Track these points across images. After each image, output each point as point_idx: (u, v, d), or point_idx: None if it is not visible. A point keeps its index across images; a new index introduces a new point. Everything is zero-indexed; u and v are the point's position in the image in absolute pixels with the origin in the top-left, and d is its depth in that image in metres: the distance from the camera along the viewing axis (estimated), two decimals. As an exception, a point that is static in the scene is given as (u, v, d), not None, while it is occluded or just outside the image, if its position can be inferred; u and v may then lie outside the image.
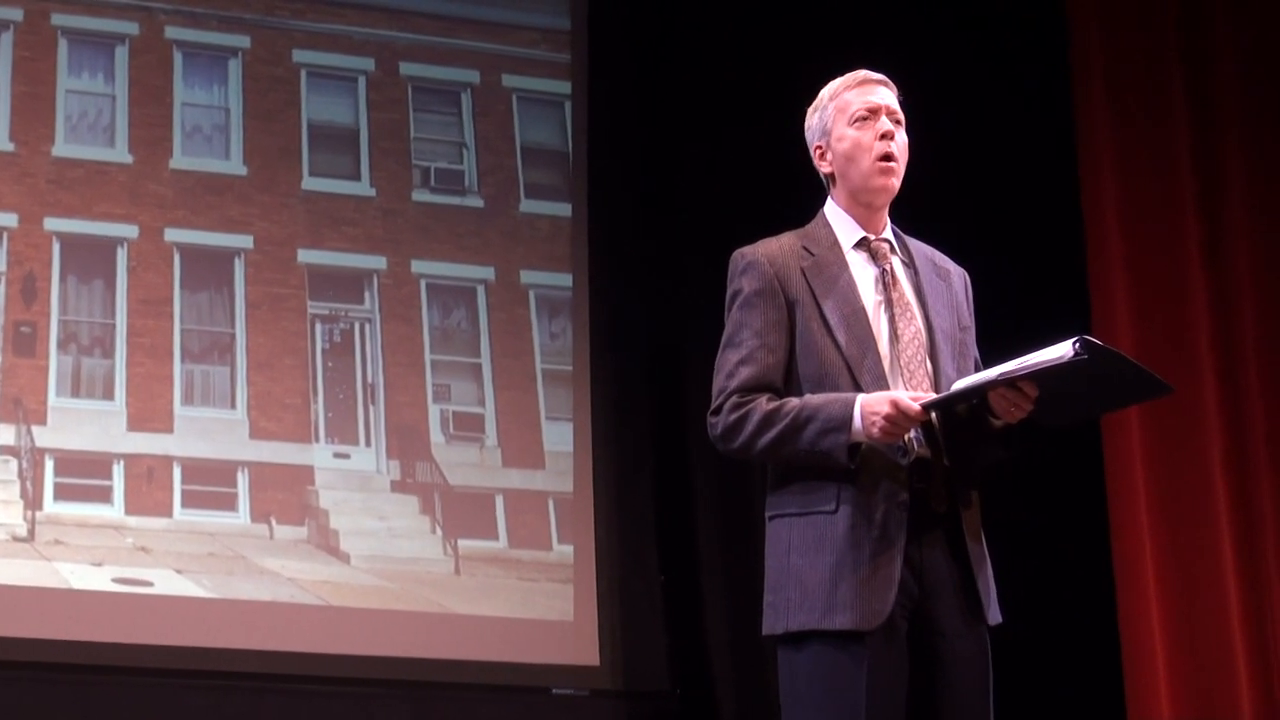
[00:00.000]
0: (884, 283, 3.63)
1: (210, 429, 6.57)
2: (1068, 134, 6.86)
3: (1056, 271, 6.76)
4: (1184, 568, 6.47)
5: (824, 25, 6.98)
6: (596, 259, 6.98)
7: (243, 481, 6.56)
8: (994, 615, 3.58)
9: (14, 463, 6.33)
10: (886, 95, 3.69)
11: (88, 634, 6.15)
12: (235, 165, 6.87)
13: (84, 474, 6.41)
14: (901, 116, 3.69)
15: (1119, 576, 6.48)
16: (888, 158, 3.63)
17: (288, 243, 6.83)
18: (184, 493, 6.49)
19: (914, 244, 3.76)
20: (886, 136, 3.63)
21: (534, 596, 6.60)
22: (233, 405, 6.62)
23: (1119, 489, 6.54)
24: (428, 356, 6.83)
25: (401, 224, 6.95)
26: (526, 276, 7.02)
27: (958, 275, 3.77)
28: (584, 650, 6.59)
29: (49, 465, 6.36)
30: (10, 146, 6.61)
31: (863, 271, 3.64)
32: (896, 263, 3.68)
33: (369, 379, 6.76)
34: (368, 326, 6.84)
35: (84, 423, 6.46)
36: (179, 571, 6.34)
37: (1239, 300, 6.66)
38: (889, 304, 3.60)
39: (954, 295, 3.71)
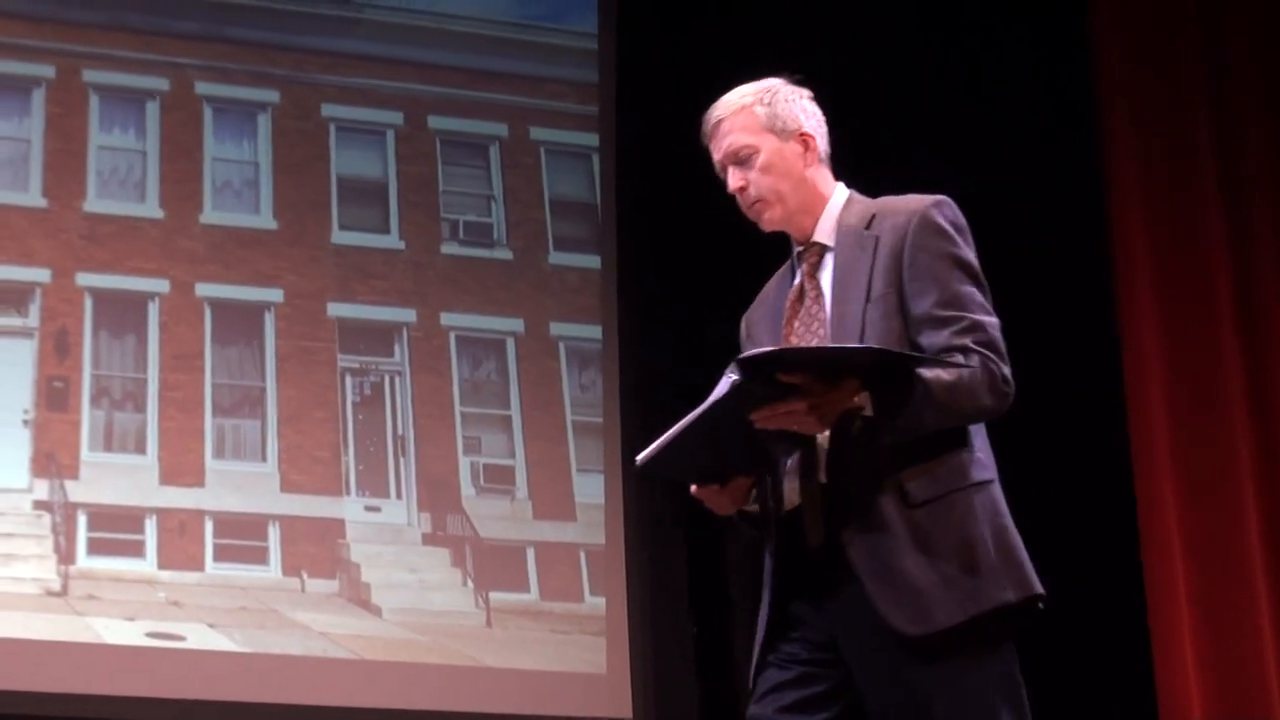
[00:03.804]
0: (799, 294, 3.53)
1: (241, 482, 6.58)
2: (1090, 147, 6.89)
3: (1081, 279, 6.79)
4: (1211, 547, 6.47)
5: (846, 76, 6.99)
6: (626, 311, 6.98)
7: (274, 535, 6.57)
8: (925, 623, 3.25)
9: (47, 517, 6.34)
10: (720, 143, 3.59)
11: (121, 688, 6.15)
12: (265, 219, 6.90)
13: (116, 528, 6.42)
14: (743, 152, 3.54)
15: (1146, 559, 6.51)
16: (752, 204, 3.56)
17: (318, 296, 6.85)
18: (216, 546, 6.50)
19: (854, 216, 3.51)
20: (737, 191, 3.57)
21: (566, 649, 6.58)
22: (263, 458, 6.63)
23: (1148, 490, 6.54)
24: (458, 409, 6.84)
25: (431, 277, 6.97)
26: (556, 328, 7.02)
27: (892, 229, 3.43)
28: (617, 703, 6.56)
29: (82, 520, 6.37)
30: (43, 202, 6.65)
31: (786, 291, 3.59)
32: (827, 260, 3.51)
33: (399, 431, 6.77)
34: (398, 379, 6.85)
35: (116, 477, 6.48)
36: (211, 626, 6.34)
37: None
38: (795, 315, 3.51)
39: (876, 260, 3.41)
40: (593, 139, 7.17)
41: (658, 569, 6.76)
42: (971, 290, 3.34)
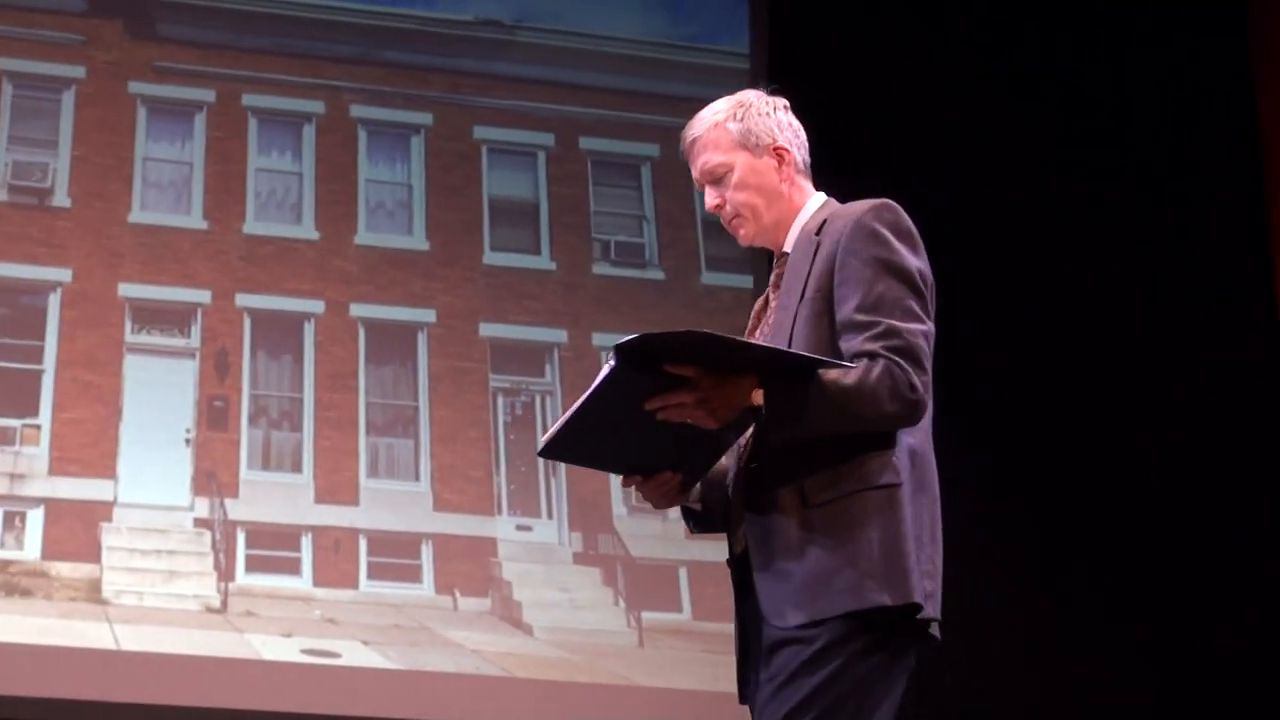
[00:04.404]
0: (764, 305, 3.47)
1: (395, 501, 6.63)
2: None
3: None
4: None
5: (987, 97, 6.97)
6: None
7: (427, 553, 6.61)
8: (793, 615, 3.17)
9: (208, 535, 6.43)
10: (696, 161, 3.49)
11: (277, 704, 6.20)
12: (418, 240, 6.96)
13: (274, 546, 6.50)
14: (718, 170, 3.45)
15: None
16: (729, 222, 3.49)
17: (470, 316, 6.89)
18: (370, 564, 6.55)
19: (814, 224, 3.41)
20: (714, 209, 3.47)
21: (720, 669, 6.47)
22: (416, 478, 6.67)
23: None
24: (609, 429, 6.84)
25: (582, 297, 6.98)
26: (708, 348, 7.00)
27: (832, 234, 3.35)
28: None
29: (240, 537, 6.45)
30: (204, 224, 6.77)
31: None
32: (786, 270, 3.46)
33: (551, 451, 6.77)
34: (549, 399, 6.87)
35: (273, 496, 6.56)
36: (365, 643, 6.38)
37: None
38: (758, 326, 3.45)
39: (814, 264, 3.34)
40: (744, 158, 7.14)
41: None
42: (899, 295, 3.25)
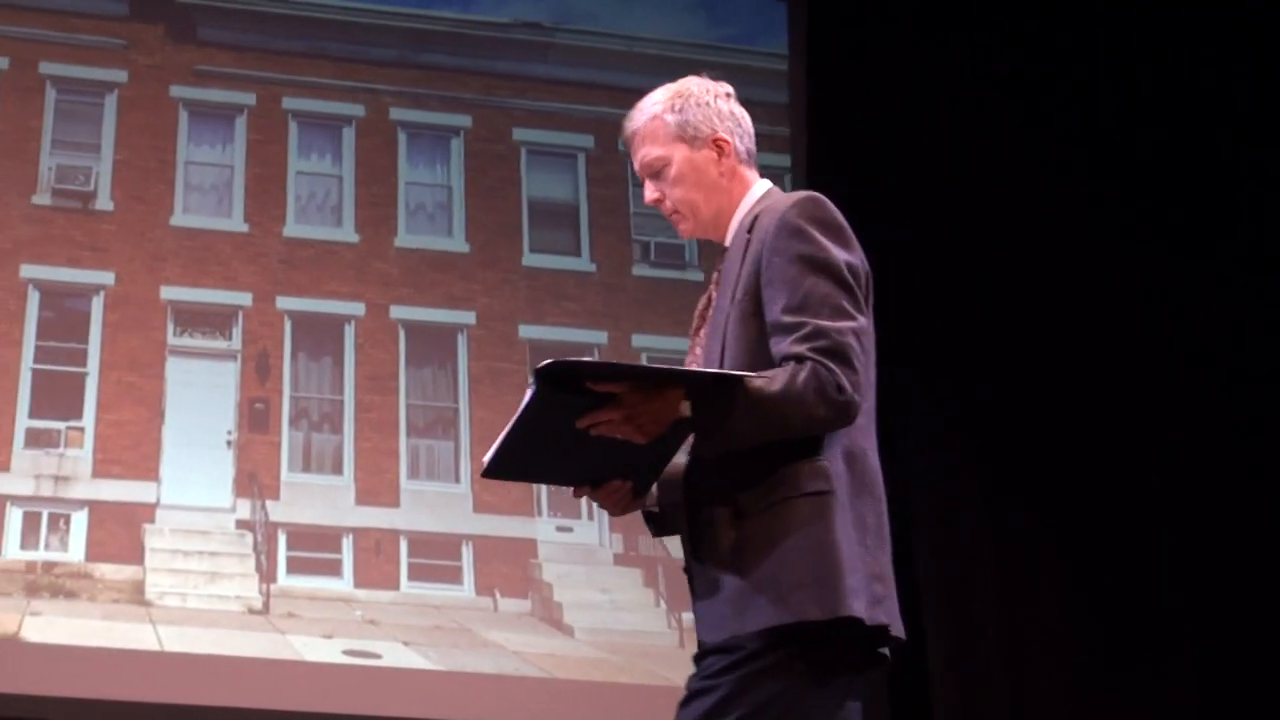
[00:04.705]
0: (707, 302, 3.38)
1: (435, 503, 6.64)
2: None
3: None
4: None
5: (1043, 98, 6.94)
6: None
7: (467, 555, 6.62)
8: (720, 630, 3.14)
9: (249, 536, 6.46)
10: (635, 155, 3.42)
11: (319, 705, 6.22)
12: (458, 242, 6.97)
13: (315, 548, 6.52)
14: (656, 164, 3.38)
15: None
16: (669, 216, 3.43)
17: (509, 318, 6.90)
18: (410, 566, 6.56)
19: (750, 218, 3.32)
20: (654, 204, 3.43)
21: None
22: (457, 479, 6.68)
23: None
24: (650, 430, 6.84)
25: (622, 299, 6.99)
26: (750, 347, 7.00)
27: (760, 230, 3.26)
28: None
29: (282, 539, 6.48)
30: (245, 228, 6.80)
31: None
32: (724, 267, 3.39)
33: (591, 453, 6.78)
34: (589, 401, 6.86)
35: (314, 497, 6.58)
36: (406, 644, 6.40)
37: None
38: (704, 324, 3.37)
39: (745, 263, 3.26)
40: (784, 160, 7.14)
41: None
42: (826, 292, 3.15)
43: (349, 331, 6.80)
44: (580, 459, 3.19)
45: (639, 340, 6.93)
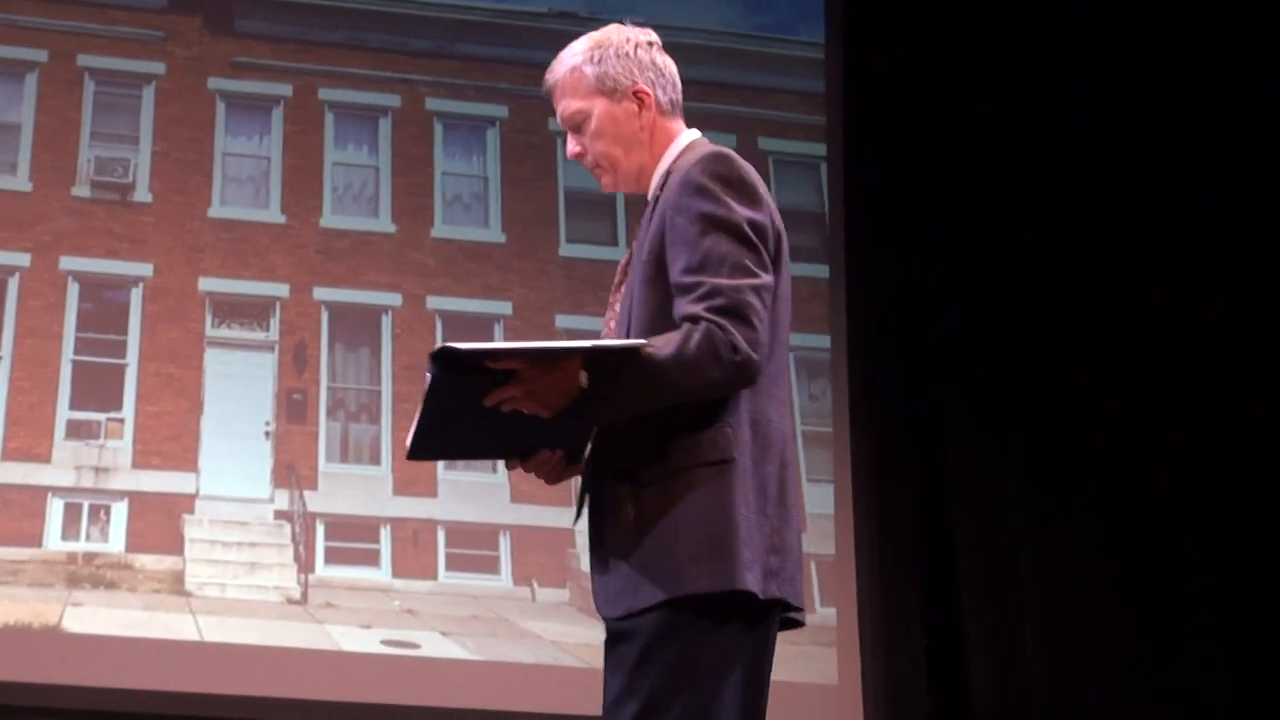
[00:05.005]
0: (628, 259, 3.32)
1: (472, 493, 6.65)
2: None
3: None
4: None
5: (1080, 74, 6.90)
6: (855, 320, 6.92)
7: (505, 545, 6.62)
8: (618, 605, 3.12)
9: (288, 527, 6.48)
10: (557, 108, 3.37)
11: (358, 695, 6.24)
12: (494, 233, 6.97)
13: (353, 538, 6.54)
14: (575, 118, 3.33)
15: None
16: (591, 170, 3.38)
17: (546, 308, 6.90)
18: (448, 556, 6.57)
19: (662, 177, 3.27)
20: (576, 157, 3.37)
21: (798, 660, 6.52)
22: (494, 469, 6.69)
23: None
24: (689, 420, 6.83)
25: (660, 288, 6.96)
26: (785, 338, 6.99)
27: (667, 189, 3.20)
28: (849, 714, 6.50)
29: (320, 530, 6.49)
30: (282, 219, 6.81)
31: None
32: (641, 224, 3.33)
33: (629, 442, 6.78)
34: (626, 390, 6.86)
35: (352, 488, 6.59)
36: (444, 634, 6.41)
37: None
38: (624, 281, 3.31)
39: (652, 223, 3.21)
40: (820, 148, 7.13)
41: (888, 579, 6.69)
42: (726, 250, 3.09)
43: (386, 322, 6.81)
44: (503, 434, 3.16)
45: (675, 329, 6.90)
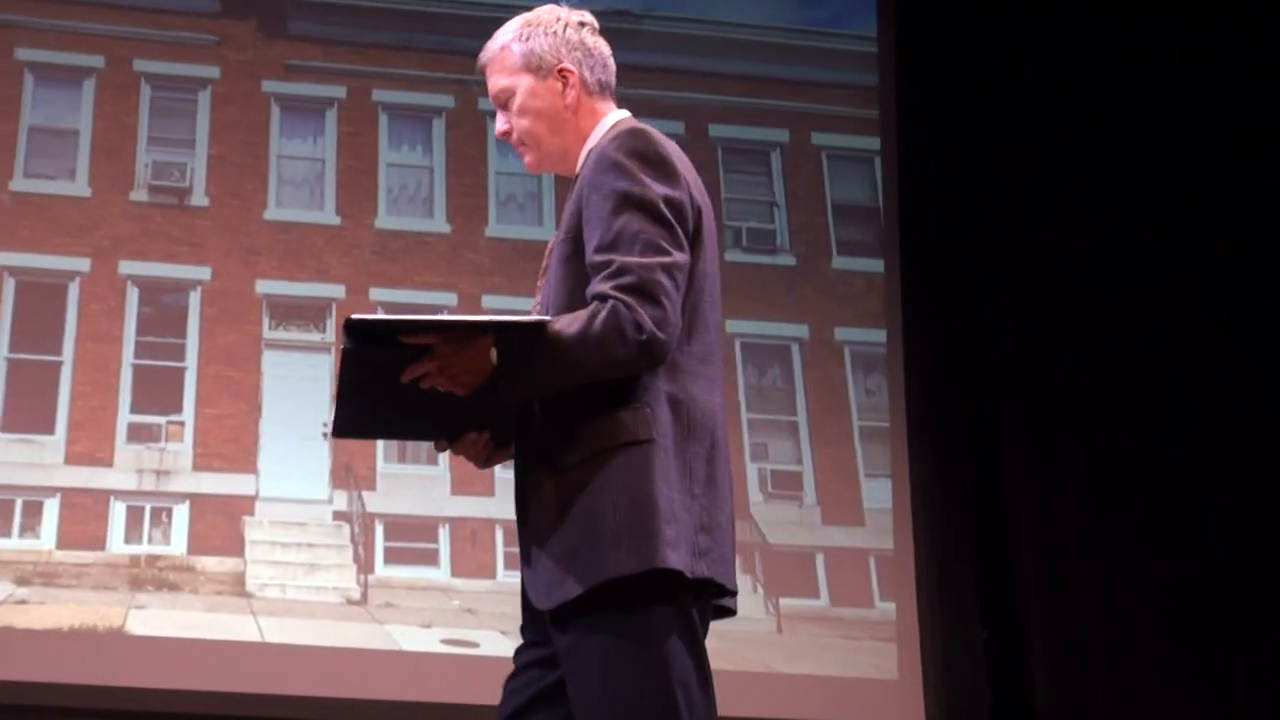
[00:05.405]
0: (554, 238, 3.30)
1: (530, 492, 6.64)
2: None
3: None
4: None
5: (1135, 70, 6.86)
6: (910, 315, 6.90)
7: (562, 543, 6.61)
8: (550, 596, 3.09)
9: (346, 528, 6.50)
10: (488, 84, 3.38)
11: (418, 694, 6.25)
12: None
13: (412, 538, 6.55)
14: (502, 95, 3.34)
15: None
16: (516, 148, 3.38)
17: (598, 304, 6.89)
18: (506, 554, 6.57)
19: (585, 157, 3.28)
20: (503, 136, 3.37)
21: (857, 655, 6.53)
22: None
23: None
24: (744, 415, 6.83)
25: (714, 284, 6.95)
26: (841, 333, 6.98)
27: (585, 168, 3.20)
28: (909, 709, 6.49)
29: (379, 530, 6.51)
30: (338, 220, 6.83)
31: None
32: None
33: (685, 439, 6.76)
34: (681, 387, 6.85)
35: (410, 488, 6.60)
36: (504, 633, 6.41)
37: None
38: (548, 262, 3.29)
39: (570, 201, 3.21)
40: (874, 142, 7.11)
41: (947, 573, 6.67)
42: (639, 228, 3.07)
43: (442, 322, 6.82)
44: (427, 413, 3.15)
45: (732, 326, 6.89)
